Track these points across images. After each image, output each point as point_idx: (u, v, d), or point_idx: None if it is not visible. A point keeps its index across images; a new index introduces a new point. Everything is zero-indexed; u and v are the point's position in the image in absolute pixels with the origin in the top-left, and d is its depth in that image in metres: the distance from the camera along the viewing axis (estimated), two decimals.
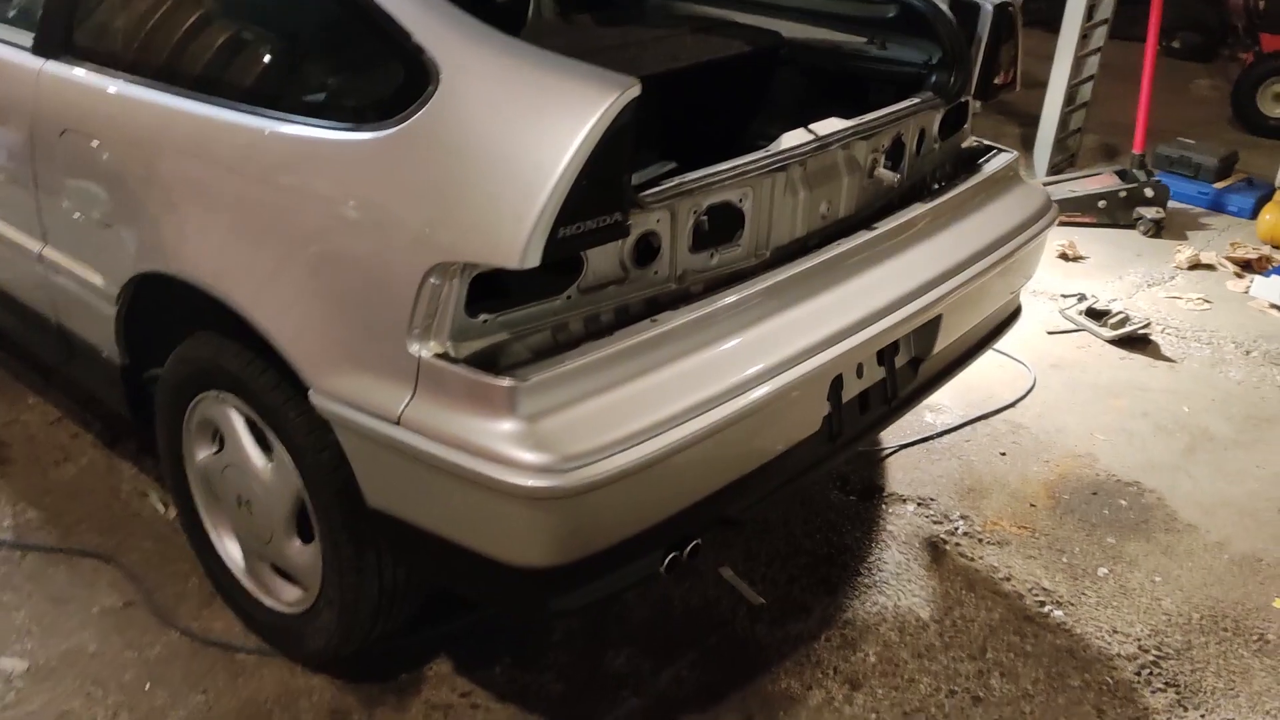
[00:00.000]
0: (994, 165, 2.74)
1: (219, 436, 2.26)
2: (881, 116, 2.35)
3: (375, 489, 1.88)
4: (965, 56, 2.57)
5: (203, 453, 2.29)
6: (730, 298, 2.01)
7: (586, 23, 2.96)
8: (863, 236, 2.29)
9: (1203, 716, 2.32)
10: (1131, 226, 4.82)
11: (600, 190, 1.68)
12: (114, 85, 2.15)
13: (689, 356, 1.92)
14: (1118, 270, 4.45)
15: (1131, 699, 2.35)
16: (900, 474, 3.06)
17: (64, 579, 2.50)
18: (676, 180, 1.92)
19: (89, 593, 2.46)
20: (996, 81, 2.67)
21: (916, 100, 2.48)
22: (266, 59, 2.05)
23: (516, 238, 1.63)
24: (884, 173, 2.39)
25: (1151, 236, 4.78)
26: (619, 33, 2.81)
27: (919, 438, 3.20)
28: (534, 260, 1.64)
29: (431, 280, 1.70)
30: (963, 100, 2.65)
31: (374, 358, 1.79)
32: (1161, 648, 2.49)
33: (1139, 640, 2.51)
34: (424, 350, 1.74)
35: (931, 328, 2.41)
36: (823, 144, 2.18)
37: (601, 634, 2.43)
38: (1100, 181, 4.90)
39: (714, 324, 1.98)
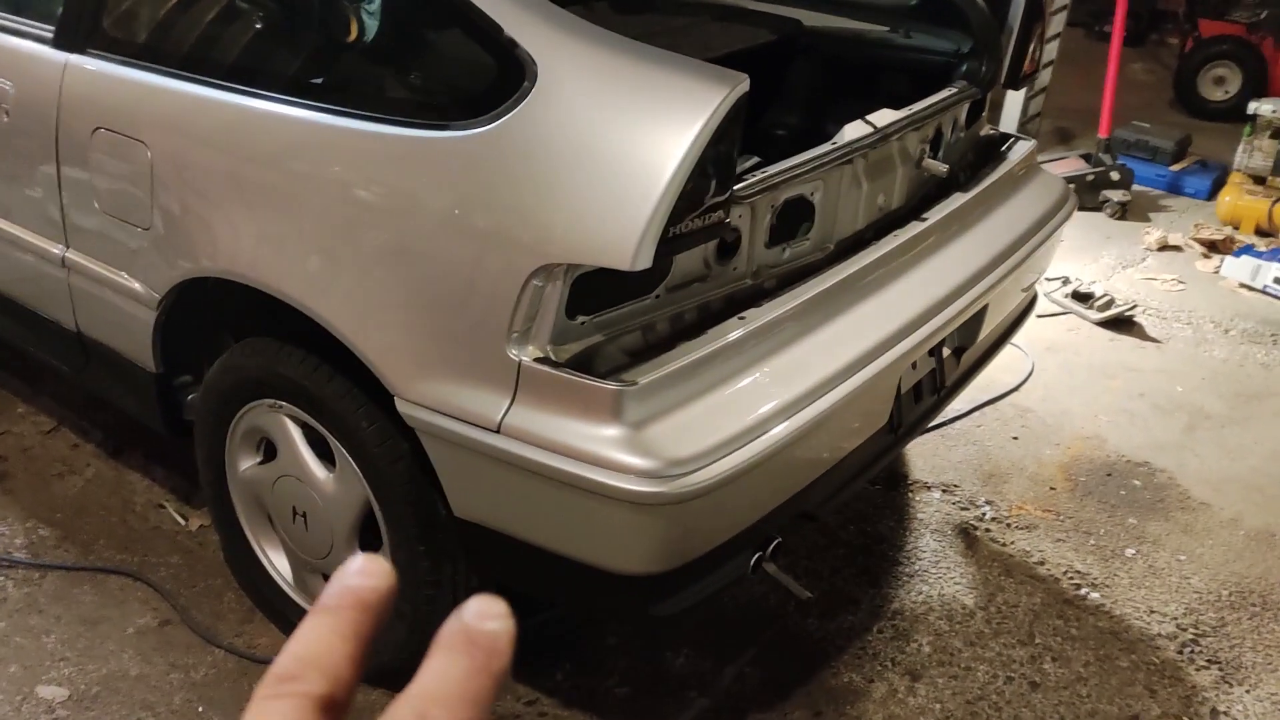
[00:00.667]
0: (1017, 154, 2.77)
1: (265, 446, 2.17)
2: (929, 106, 2.35)
3: (466, 499, 1.82)
4: (998, 45, 2.58)
5: (247, 463, 2.19)
6: (809, 293, 1.99)
7: (605, 11, 2.90)
8: (916, 228, 2.29)
9: (1248, 691, 2.38)
10: (1098, 209, 4.93)
11: (709, 188, 1.65)
12: (164, 82, 2.01)
13: (778, 354, 1.90)
14: (1092, 253, 4.55)
15: (1179, 678, 2.40)
16: (921, 461, 3.08)
17: (92, 599, 2.37)
18: (763, 174, 1.89)
19: (121, 612, 2.35)
20: (1024, 69, 2.69)
21: (955, 90, 2.49)
22: (345, 54, 1.95)
23: (629, 238, 1.58)
24: (931, 163, 2.39)
25: (1118, 219, 4.90)
26: (644, 21, 2.76)
27: (934, 424, 3.22)
28: (646, 261, 1.60)
29: (534, 282, 1.65)
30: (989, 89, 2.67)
31: (469, 364, 1.73)
32: (1198, 626, 2.55)
33: (1176, 619, 2.57)
34: (524, 354, 1.68)
35: (977, 318, 2.42)
36: (883, 135, 2.17)
37: (657, 636, 2.40)
38: (1067, 165, 5.00)
39: (797, 320, 1.96)
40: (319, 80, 1.91)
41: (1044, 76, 5.55)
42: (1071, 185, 4.90)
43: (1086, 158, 5.08)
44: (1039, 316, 3.95)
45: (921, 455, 3.10)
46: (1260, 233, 4.80)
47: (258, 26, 2.02)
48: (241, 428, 2.16)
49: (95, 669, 2.20)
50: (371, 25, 1.87)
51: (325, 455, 2.05)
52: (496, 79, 1.70)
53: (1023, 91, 5.33)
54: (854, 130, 2.13)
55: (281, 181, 1.87)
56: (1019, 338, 3.70)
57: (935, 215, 2.35)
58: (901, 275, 2.22)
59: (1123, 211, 4.91)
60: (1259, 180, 4.89)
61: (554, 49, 1.68)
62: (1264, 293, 4.26)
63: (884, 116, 2.21)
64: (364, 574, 0.35)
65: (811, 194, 2.05)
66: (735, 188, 1.81)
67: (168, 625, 2.32)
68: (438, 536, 1.93)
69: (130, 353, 2.25)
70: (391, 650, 2.08)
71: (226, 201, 1.95)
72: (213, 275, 2.02)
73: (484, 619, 0.33)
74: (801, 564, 2.65)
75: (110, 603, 2.37)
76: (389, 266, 1.76)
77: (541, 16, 1.71)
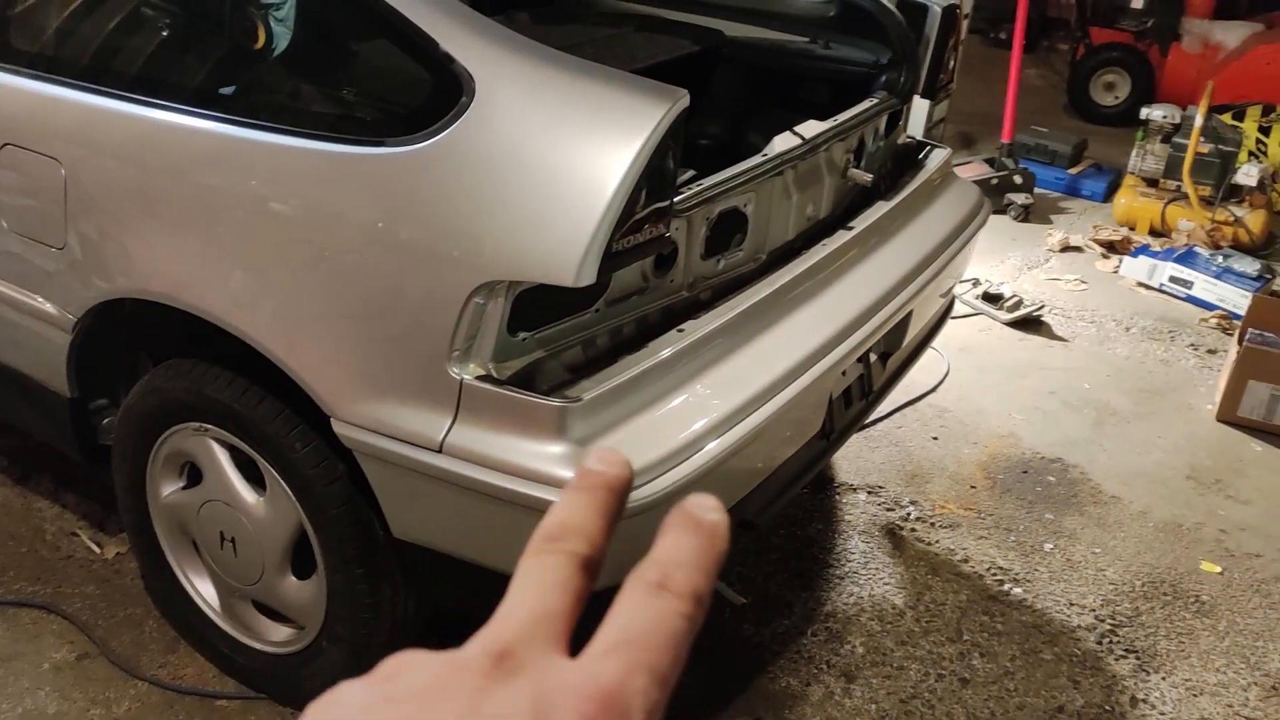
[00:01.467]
0: (934, 161, 2.83)
1: (189, 471, 2.10)
2: (854, 116, 2.39)
3: (407, 520, 1.79)
4: (915, 56, 2.64)
5: (170, 489, 2.12)
6: (745, 304, 2.01)
7: (525, 22, 2.88)
8: (844, 236, 2.33)
9: (1163, 679, 2.47)
10: (1002, 212, 5.07)
11: (651, 203, 1.65)
12: (77, 95, 1.93)
13: (717, 366, 1.91)
14: (999, 255, 4.68)
15: (1099, 668, 2.49)
16: (846, 464, 3.13)
17: (2, 635, 2.27)
18: (699, 187, 1.90)
19: (35, 647, 2.25)
20: (941, 80, 2.76)
21: (876, 100, 2.53)
22: (278, 68, 1.90)
23: (573, 255, 1.58)
24: (857, 173, 2.44)
25: (1021, 221, 5.04)
26: (567, 33, 2.75)
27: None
28: (590, 277, 1.59)
29: (476, 300, 1.63)
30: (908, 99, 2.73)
31: (409, 383, 1.70)
32: (1115, 616, 2.64)
33: (1094, 611, 2.66)
34: (466, 372, 1.66)
35: (903, 323, 2.47)
36: (812, 146, 2.20)
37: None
38: (972, 170, 5.12)
39: (733, 331, 1.97)
40: (249, 94, 1.86)
41: None
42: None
43: (990, 162, 5.22)
44: (952, 318, 4.05)
45: (846, 458, 3.15)
46: (1154, 233, 4.99)
47: (178, 37, 1.96)
48: (164, 452, 2.09)
49: (9, 708, 2.10)
50: (303, 39, 1.82)
51: (253, 478, 2.00)
52: (433, 94, 1.68)
53: (926, 100, 5.46)
54: (784, 142, 2.16)
55: (209, 198, 1.81)
56: (935, 339, 3.81)
57: (861, 224, 2.39)
58: (831, 284, 2.25)
59: (1026, 214, 5.06)
60: (1152, 183, 5.08)
61: (492, 64, 1.66)
62: (1161, 291, 4.43)
63: (812, 128, 2.24)
64: (605, 463, 0.39)
65: (745, 206, 2.07)
66: (674, 201, 1.82)
67: (86, 659, 2.23)
68: (376, 558, 1.89)
69: (43, 377, 2.16)
70: (325, 676, 2.03)
71: (146, 219, 1.88)
72: (132, 296, 1.95)
73: (704, 510, 0.37)
74: (735, 570, 2.66)
75: (23, 638, 2.27)
76: (323, 285, 1.72)
77: (478, 31, 1.69)
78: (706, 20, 3.00)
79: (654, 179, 1.63)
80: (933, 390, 3.55)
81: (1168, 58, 6.72)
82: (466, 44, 1.67)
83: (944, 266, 2.54)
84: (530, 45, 1.69)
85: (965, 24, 5.53)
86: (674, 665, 0.34)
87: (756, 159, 2.07)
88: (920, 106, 5.44)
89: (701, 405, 1.84)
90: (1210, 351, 4.00)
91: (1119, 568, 2.82)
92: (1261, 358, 3.46)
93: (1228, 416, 3.52)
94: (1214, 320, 4.20)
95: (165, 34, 1.96)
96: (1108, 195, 5.32)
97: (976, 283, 4.21)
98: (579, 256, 1.58)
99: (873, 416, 3.35)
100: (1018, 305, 4.05)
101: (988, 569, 2.76)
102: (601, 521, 0.38)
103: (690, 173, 1.94)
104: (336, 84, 1.86)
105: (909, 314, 2.45)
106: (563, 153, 1.61)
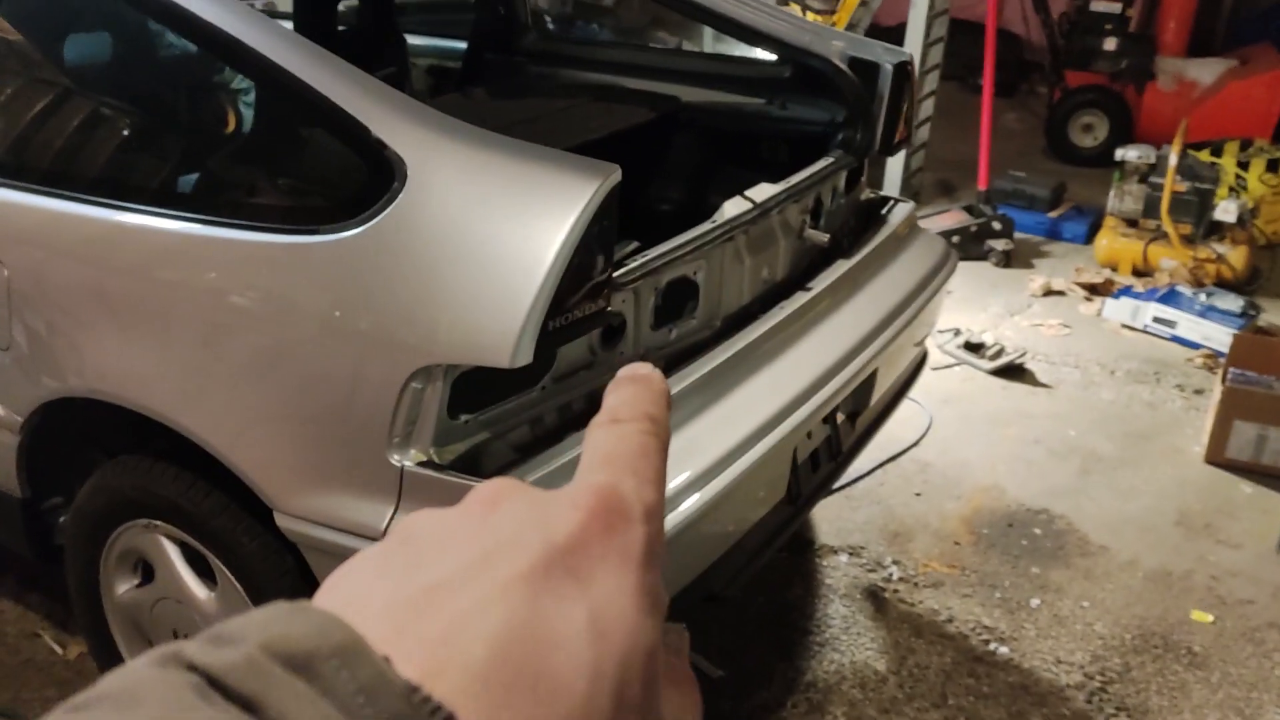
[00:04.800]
0: (897, 216, 2.82)
1: (143, 568, 2.06)
2: (808, 177, 2.38)
3: None
4: (870, 114, 2.63)
5: (124, 587, 2.08)
6: (698, 372, 1.98)
7: (483, 97, 2.89)
8: (801, 299, 2.31)
9: None
10: (983, 259, 5.07)
11: (586, 280, 1.63)
12: (19, 197, 1.90)
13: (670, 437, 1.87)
14: (980, 302, 4.66)
15: None
16: (826, 525, 3.08)
17: None
18: (644, 258, 1.88)
19: None
20: (896, 136, 2.75)
21: (832, 160, 2.53)
22: (209, 162, 1.89)
23: (507, 336, 1.55)
24: (813, 233, 2.42)
25: (1002, 267, 5.03)
26: (523, 106, 2.77)
27: (837, 486, 3.23)
28: (526, 358, 1.57)
29: (413, 385, 1.60)
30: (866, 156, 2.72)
31: (350, 472, 1.67)
32: (1105, 673, 2.58)
33: (1083, 668, 2.59)
34: (406, 459, 1.63)
35: (869, 382, 2.44)
36: (763, 210, 2.19)
37: None
38: (951, 218, 5.13)
39: (685, 403, 1.94)
40: (182, 189, 1.85)
41: (923, 133, 5.73)
42: (956, 238, 5.07)
43: (969, 209, 5.22)
44: (934, 369, 4.02)
45: (826, 518, 3.11)
46: (1137, 273, 4.98)
47: (114, 137, 1.95)
48: (116, 550, 2.05)
49: None
50: (238, 130, 1.82)
51: (206, 573, 1.96)
52: (367, 180, 1.67)
53: (902, 150, 5.48)
54: (733, 207, 2.15)
55: (144, 295, 1.79)
56: (916, 392, 3.76)
57: (820, 284, 2.36)
58: (790, 346, 2.22)
59: (1006, 260, 5.05)
60: (1132, 223, 5.07)
61: (423, 148, 1.65)
62: (1145, 331, 4.41)
63: (762, 191, 2.23)
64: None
65: (695, 273, 2.05)
66: (615, 275, 1.80)
67: None
68: None
69: None
70: None
71: (89, 318, 1.86)
72: (80, 395, 1.92)
73: (635, 368, 0.40)
74: (713, 641, 2.61)
75: None
76: (260, 376, 1.70)
77: (409, 116, 1.68)
78: (664, 86, 3.02)
79: (589, 254, 1.61)
80: (915, 444, 3.51)
81: (1144, 97, 6.76)
82: (397, 129, 1.66)
83: (908, 322, 2.51)
84: (462, 128, 1.68)
85: (937, 73, 5.58)
86: (656, 471, 0.36)
87: (705, 226, 2.06)
88: (896, 157, 5.48)
89: None
90: (1197, 392, 3.96)
91: (1108, 621, 2.75)
92: (1245, 397, 3.42)
93: (1216, 458, 3.47)
94: (1200, 360, 4.17)
95: (98, 133, 1.96)
96: (1089, 237, 5.31)
97: (958, 332, 4.19)
98: (514, 337, 1.55)
99: (854, 474, 3.31)
100: (1000, 354, 4.02)
101: (973, 628, 2.70)
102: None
103: (633, 244, 1.92)
104: (276, 174, 1.86)
105: (874, 372, 2.42)
106: (494, 234, 1.59)
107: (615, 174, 1.62)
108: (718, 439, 1.92)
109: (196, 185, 1.85)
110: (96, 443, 2.15)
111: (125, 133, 1.95)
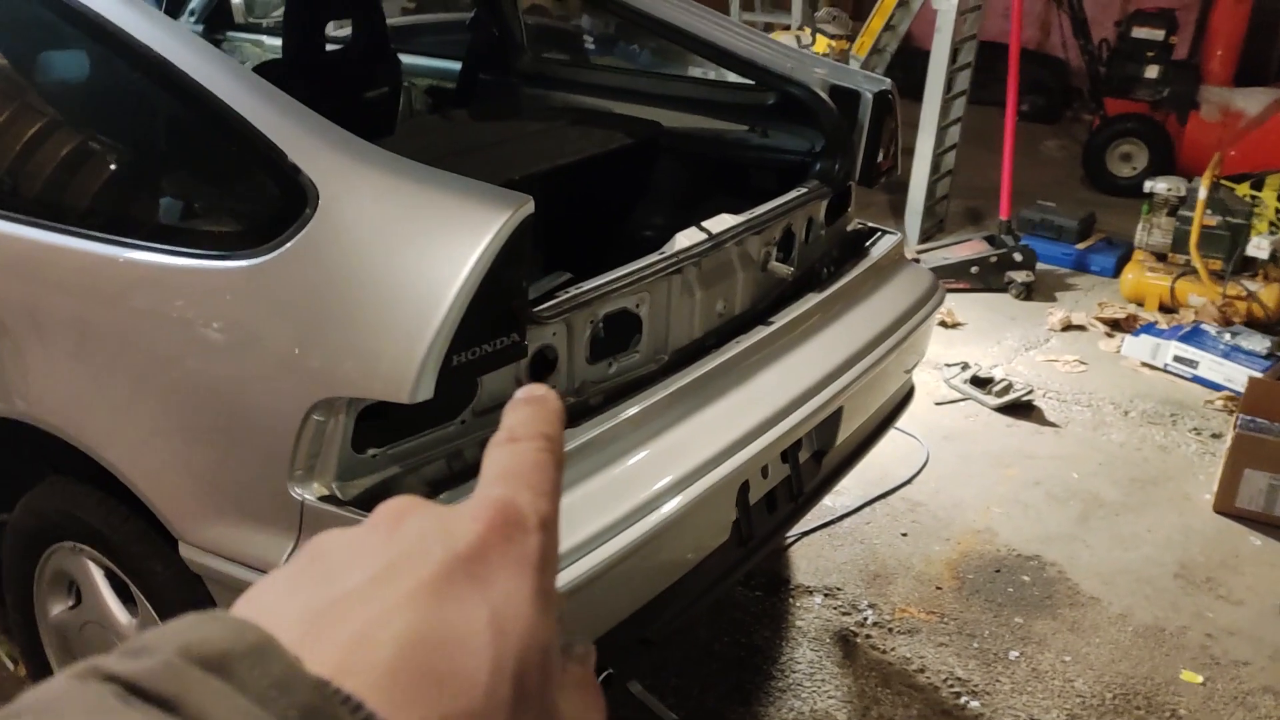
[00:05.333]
0: (880, 248, 2.73)
1: (76, 591, 2.04)
2: (772, 209, 2.31)
3: None
4: (848, 143, 2.56)
5: (58, 608, 2.07)
6: (632, 409, 1.92)
7: (462, 119, 2.86)
8: (760, 333, 2.24)
9: None
10: (1004, 290, 4.94)
11: (495, 313, 1.58)
12: None
13: (593, 477, 1.81)
14: (995, 335, 4.54)
15: None
16: (804, 563, 2.99)
17: None
18: (572, 292, 1.83)
19: None
20: (879, 166, 2.68)
21: (804, 190, 2.46)
22: (122, 181, 1.88)
23: (407, 371, 1.51)
24: (777, 266, 2.35)
25: (1023, 299, 4.90)
26: (496, 129, 2.73)
27: (820, 524, 3.14)
28: (426, 393, 1.52)
29: (315, 417, 1.56)
30: (847, 185, 2.65)
31: (251, 504, 1.63)
32: None
33: None
34: (308, 493, 1.59)
35: (833, 420, 2.36)
36: (717, 242, 2.12)
37: None
38: (971, 248, 5.01)
39: (617, 439, 1.88)
40: (98, 209, 1.83)
41: (948, 160, 5.61)
42: (975, 268, 4.95)
43: (990, 239, 5.10)
44: (936, 404, 3.92)
45: (806, 557, 3.02)
46: (1164, 309, 4.81)
47: (25, 151, 1.94)
48: (49, 571, 2.04)
49: None
50: (153, 150, 1.80)
51: (132, 599, 1.93)
52: (280, 206, 1.63)
53: (927, 175, 5.38)
54: (686, 239, 2.09)
55: (54, 314, 1.77)
56: (914, 427, 3.67)
57: (782, 319, 2.29)
58: (745, 381, 2.15)
59: (1027, 292, 4.92)
60: (1161, 257, 4.92)
61: (336, 175, 1.61)
62: (1165, 371, 4.25)
63: (721, 222, 2.17)
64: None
65: (637, 306, 1.99)
66: (539, 308, 1.75)
67: None
68: None
69: None
70: None
71: (15, 338, 1.85)
72: (12, 417, 1.91)
73: (531, 390, 0.41)
74: (670, 681, 2.53)
75: None
76: (162, 401, 1.67)
77: (327, 142, 1.64)
78: (655, 111, 2.97)
79: (498, 287, 1.56)
80: (908, 482, 3.41)
81: (1186, 127, 6.57)
82: (315, 155, 1.63)
83: (881, 357, 2.43)
84: (381, 155, 1.65)
85: (964, 99, 5.46)
86: (551, 485, 0.37)
87: (651, 257, 2.00)
88: (920, 183, 5.36)
89: (579, 514, 1.74)
90: (1214, 436, 3.80)
91: (1089, 678, 2.63)
92: (1257, 445, 3.27)
93: (1225, 508, 3.32)
94: (1220, 402, 4.01)
95: (16, 150, 1.95)
96: (1118, 270, 5.15)
97: (965, 366, 4.07)
98: (414, 371, 1.51)
99: (840, 510, 3.22)
100: (1007, 389, 3.89)
101: (944, 680, 2.59)
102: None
103: (565, 276, 1.87)
104: (192, 197, 1.84)
105: (838, 410, 2.34)
106: (401, 265, 1.55)
107: (528, 204, 1.57)
108: (652, 475, 1.85)
109: (111, 205, 1.83)
110: (48, 461, 2.14)
111: (35, 146, 1.94)
